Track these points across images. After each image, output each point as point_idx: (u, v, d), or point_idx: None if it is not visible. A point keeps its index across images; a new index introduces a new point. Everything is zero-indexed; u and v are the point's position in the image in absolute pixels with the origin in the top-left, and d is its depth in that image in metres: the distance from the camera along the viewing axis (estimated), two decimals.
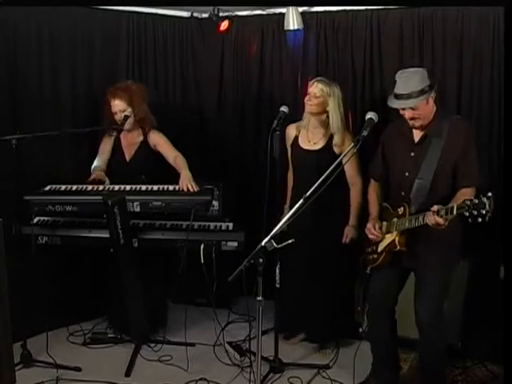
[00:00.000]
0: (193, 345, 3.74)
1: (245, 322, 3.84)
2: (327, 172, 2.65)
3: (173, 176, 3.62)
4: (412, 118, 2.75)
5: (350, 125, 3.96)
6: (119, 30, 4.17)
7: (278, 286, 3.32)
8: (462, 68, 3.66)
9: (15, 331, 2.70)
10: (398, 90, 2.73)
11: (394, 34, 3.82)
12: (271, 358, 3.45)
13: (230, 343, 3.78)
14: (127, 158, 3.79)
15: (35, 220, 3.59)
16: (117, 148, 3.81)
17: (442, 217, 2.56)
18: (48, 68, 3.87)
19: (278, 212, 3.37)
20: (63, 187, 3.54)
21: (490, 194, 2.28)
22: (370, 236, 2.97)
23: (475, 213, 2.29)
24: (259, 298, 2.47)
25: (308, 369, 3.49)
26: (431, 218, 2.61)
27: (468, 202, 2.32)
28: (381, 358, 3.14)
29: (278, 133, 3.26)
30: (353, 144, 2.68)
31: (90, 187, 3.52)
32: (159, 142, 3.75)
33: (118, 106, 3.63)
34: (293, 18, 3.99)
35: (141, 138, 3.78)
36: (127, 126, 3.69)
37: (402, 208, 2.82)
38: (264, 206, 3.29)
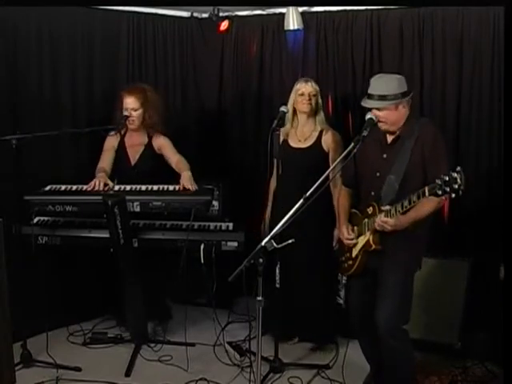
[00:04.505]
0: (193, 345, 3.73)
1: (245, 322, 3.84)
2: (327, 172, 2.65)
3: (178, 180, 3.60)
4: (378, 120, 2.78)
5: (350, 125, 3.98)
6: (119, 30, 4.17)
7: (278, 285, 3.32)
8: (462, 68, 3.67)
9: (15, 331, 2.70)
10: (370, 90, 2.79)
11: (394, 34, 3.82)
12: (271, 358, 3.44)
13: (230, 343, 3.77)
14: (132, 161, 3.77)
15: (35, 220, 3.59)
16: (121, 150, 3.78)
17: (393, 215, 2.62)
18: (48, 68, 3.87)
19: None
20: (63, 187, 3.54)
21: (458, 168, 2.28)
22: (346, 241, 2.93)
23: (448, 189, 2.28)
24: (259, 298, 2.47)
25: (308, 369, 3.49)
26: (378, 220, 2.67)
27: (439, 181, 2.32)
28: (375, 370, 3.16)
29: (277, 133, 3.26)
30: (353, 144, 2.69)
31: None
32: (163, 144, 3.74)
33: (131, 104, 3.63)
34: (293, 18, 3.99)
35: (145, 141, 3.76)
36: (132, 125, 3.69)
37: (371, 208, 2.81)
38: (264, 206, 3.28)
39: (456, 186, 2.26)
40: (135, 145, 3.78)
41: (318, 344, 3.76)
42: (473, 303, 3.50)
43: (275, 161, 3.42)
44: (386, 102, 2.73)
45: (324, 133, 3.59)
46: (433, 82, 3.76)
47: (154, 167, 3.73)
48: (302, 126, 3.65)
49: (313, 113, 3.60)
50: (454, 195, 2.29)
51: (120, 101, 3.67)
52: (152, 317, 3.88)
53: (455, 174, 2.26)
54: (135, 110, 3.64)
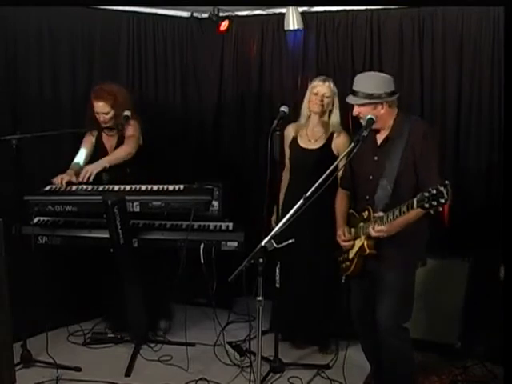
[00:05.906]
0: (193, 345, 3.74)
1: (245, 322, 3.84)
2: (327, 172, 2.65)
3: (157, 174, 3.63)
4: (356, 116, 2.80)
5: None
6: (119, 30, 4.18)
7: (277, 285, 3.32)
8: (461, 68, 3.67)
9: (15, 331, 2.69)
10: (353, 86, 2.79)
11: (394, 34, 3.83)
12: (271, 358, 3.44)
13: (230, 343, 3.77)
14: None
15: (35, 220, 3.58)
16: (100, 148, 3.78)
17: (385, 223, 2.61)
18: (48, 68, 3.87)
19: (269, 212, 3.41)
20: (63, 187, 3.54)
21: (446, 181, 2.29)
22: (342, 243, 2.93)
23: (435, 203, 2.30)
24: (259, 298, 2.47)
25: (308, 369, 3.49)
26: (371, 230, 2.66)
27: (427, 194, 2.33)
28: (375, 370, 3.16)
29: (278, 133, 3.25)
30: (353, 144, 2.68)
31: (89, 187, 3.52)
32: (131, 126, 3.68)
33: (101, 108, 3.60)
34: (293, 18, 4.00)
35: (119, 134, 3.74)
36: (106, 125, 3.66)
37: (366, 212, 2.80)
38: (264, 206, 3.28)
39: (442, 201, 2.27)
40: (111, 139, 3.77)
41: (318, 345, 3.75)
42: (473, 303, 3.50)
43: (287, 161, 3.46)
44: (362, 100, 2.72)
45: (335, 135, 3.56)
46: (433, 82, 3.76)
47: (132, 162, 3.68)
48: (314, 126, 3.62)
49: (325, 114, 3.57)
50: (440, 209, 2.32)
51: (91, 103, 3.63)
52: (152, 318, 3.86)
53: (442, 188, 2.27)
54: (106, 114, 3.63)
